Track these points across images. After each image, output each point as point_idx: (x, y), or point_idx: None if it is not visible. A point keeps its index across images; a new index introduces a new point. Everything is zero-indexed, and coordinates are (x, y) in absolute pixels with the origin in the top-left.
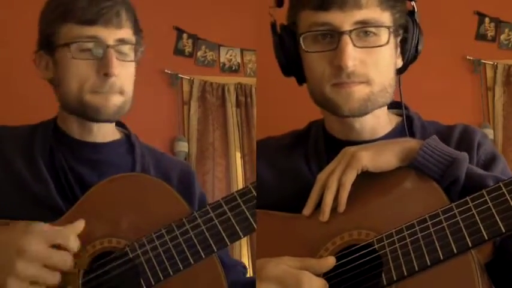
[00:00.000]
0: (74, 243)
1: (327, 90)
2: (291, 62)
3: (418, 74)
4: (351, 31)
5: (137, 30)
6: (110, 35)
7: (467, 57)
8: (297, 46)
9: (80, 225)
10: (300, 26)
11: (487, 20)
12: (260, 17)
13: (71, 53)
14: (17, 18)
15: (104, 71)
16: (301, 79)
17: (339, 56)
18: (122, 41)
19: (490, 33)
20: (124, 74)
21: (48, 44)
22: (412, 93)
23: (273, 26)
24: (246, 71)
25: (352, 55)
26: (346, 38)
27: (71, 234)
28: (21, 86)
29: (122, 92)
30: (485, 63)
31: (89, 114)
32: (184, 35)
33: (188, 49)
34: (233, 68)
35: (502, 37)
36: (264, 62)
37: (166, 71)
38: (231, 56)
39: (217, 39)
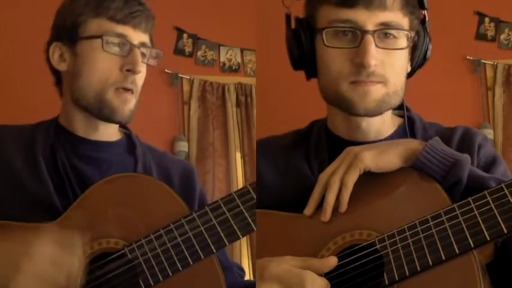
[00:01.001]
0: (79, 248)
1: (343, 88)
2: (305, 56)
3: (418, 73)
4: (374, 31)
5: (152, 39)
6: (136, 36)
7: (467, 57)
8: (313, 40)
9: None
10: (318, 21)
11: (487, 20)
12: (260, 17)
13: (101, 45)
14: (17, 18)
15: (128, 67)
16: (311, 74)
17: (361, 54)
18: (143, 44)
19: (490, 33)
20: (141, 74)
21: (71, 35)
22: (412, 93)
23: (288, 18)
24: (246, 70)
25: (375, 55)
26: (370, 38)
27: (76, 236)
28: (21, 86)
29: (136, 93)
30: (485, 63)
31: (104, 113)
32: (185, 35)
33: (188, 49)
34: (233, 68)
35: (502, 37)
36: (264, 62)
37: (166, 70)
38: (231, 55)
39: (217, 39)
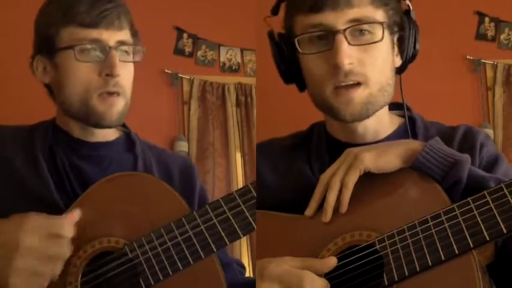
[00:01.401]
0: (69, 231)
1: (327, 94)
2: (291, 69)
3: (418, 74)
4: (345, 30)
5: (134, 31)
6: (111, 36)
7: (467, 57)
8: (294, 52)
9: (75, 214)
10: (295, 31)
11: (487, 19)
12: (260, 16)
13: (74, 56)
14: (17, 18)
15: (106, 71)
16: (302, 86)
17: (334, 54)
18: (122, 43)
19: (490, 33)
20: (124, 74)
21: (48, 48)
22: (412, 93)
23: (271, 34)
24: (246, 70)
25: (348, 53)
26: (340, 37)
27: (64, 222)
28: (19, 86)
29: (123, 94)
30: (485, 63)
31: (92, 120)
32: (185, 35)
33: (188, 49)
34: (233, 68)
35: (502, 37)
36: (264, 62)
37: (166, 70)
38: (231, 55)
39: (217, 39)
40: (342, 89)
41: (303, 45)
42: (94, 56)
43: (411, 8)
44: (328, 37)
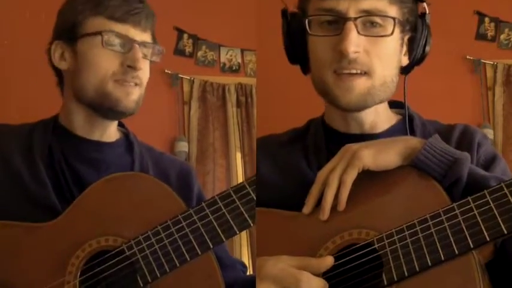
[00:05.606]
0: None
1: (327, 78)
2: (297, 48)
3: (418, 73)
4: (356, 18)
5: (154, 36)
6: (136, 35)
7: (467, 57)
8: (304, 32)
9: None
10: (307, 12)
11: (487, 19)
12: (260, 17)
13: (101, 41)
14: (17, 18)
15: (129, 63)
16: (306, 68)
17: (341, 40)
18: (144, 44)
19: (490, 33)
20: (144, 70)
21: (71, 34)
22: (412, 93)
23: (284, 12)
24: (246, 71)
25: (355, 41)
26: (350, 24)
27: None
28: (20, 85)
29: (140, 85)
30: (485, 63)
31: (107, 105)
32: (185, 35)
33: (188, 49)
34: (233, 68)
35: (502, 37)
36: (264, 62)
37: (166, 71)
38: (231, 56)
39: (218, 40)
40: (345, 76)
41: (313, 26)
42: (118, 47)
43: (427, 12)
44: (338, 23)
